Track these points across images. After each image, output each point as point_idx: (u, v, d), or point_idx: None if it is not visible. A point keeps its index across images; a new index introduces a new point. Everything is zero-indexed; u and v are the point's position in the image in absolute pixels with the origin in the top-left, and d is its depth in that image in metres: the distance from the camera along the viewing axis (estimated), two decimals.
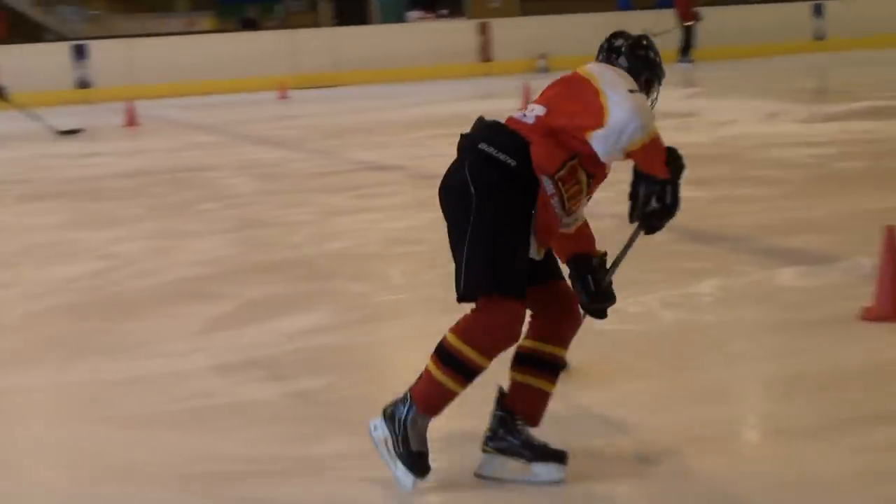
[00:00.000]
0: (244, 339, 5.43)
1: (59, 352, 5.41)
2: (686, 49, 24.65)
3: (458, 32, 26.08)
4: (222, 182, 10.91)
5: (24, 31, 25.97)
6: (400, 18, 28.49)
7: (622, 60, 3.85)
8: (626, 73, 3.71)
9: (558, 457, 3.57)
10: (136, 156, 13.43)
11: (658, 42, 3.98)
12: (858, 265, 6.20)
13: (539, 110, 3.61)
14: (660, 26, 24.44)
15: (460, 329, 3.51)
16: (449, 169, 3.64)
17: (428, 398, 3.53)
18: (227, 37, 25.99)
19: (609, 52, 3.91)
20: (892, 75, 19.91)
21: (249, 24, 25.76)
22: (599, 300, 3.93)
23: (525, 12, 29.67)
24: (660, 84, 3.91)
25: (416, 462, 3.52)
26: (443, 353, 3.52)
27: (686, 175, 3.62)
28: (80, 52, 23.24)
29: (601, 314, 3.99)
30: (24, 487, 3.85)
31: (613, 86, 3.54)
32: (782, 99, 16.16)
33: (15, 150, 14.81)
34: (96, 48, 23.53)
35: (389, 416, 3.54)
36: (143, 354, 5.27)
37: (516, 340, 3.55)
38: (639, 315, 5.52)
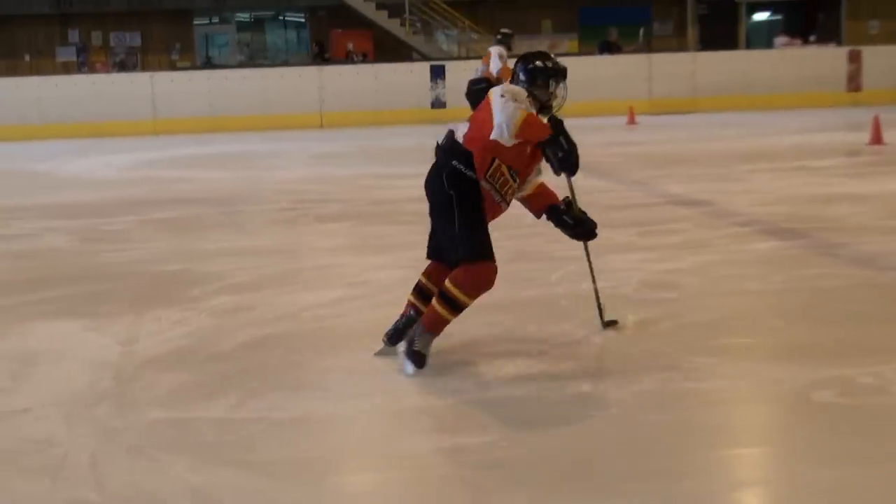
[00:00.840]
0: (420, 384, 5.16)
1: (242, 386, 5.28)
2: None
3: (826, 59, 24.86)
4: (511, 213, 10.62)
5: (393, 49, 26.71)
6: (769, 44, 27.57)
7: (520, 76, 5.52)
8: (514, 88, 5.35)
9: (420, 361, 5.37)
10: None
11: None
12: None
13: (464, 128, 5.39)
14: None
15: (458, 281, 5.29)
16: (430, 171, 5.42)
17: (433, 324, 5.39)
18: (585, 59, 25.78)
19: (516, 66, 5.58)
20: None
21: (609, 48, 25.45)
22: (580, 227, 5.77)
23: None
24: (559, 80, 5.54)
25: (419, 359, 5.36)
26: (444, 296, 5.33)
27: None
28: (437, 73, 23.61)
29: (589, 236, 5.86)
30: None
31: (496, 100, 5.17)
32: None
33: (339, 168, 15.14)
34: (453, 69, 23.90)
35: (409, 338, 5.41)
36: (311, 396, 5.07)
37: (491, 287, 5.35)
38: (869, 387, 4.88)
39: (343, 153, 17.56)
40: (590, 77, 23.73)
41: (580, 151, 5.31)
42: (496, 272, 5.32)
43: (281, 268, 8.20)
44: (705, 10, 29.50)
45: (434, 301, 5.37)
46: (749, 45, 29.61)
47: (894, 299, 6.68)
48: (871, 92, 24.12)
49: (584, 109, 22.83)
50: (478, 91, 14.72)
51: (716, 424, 4.60)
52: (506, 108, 5.10)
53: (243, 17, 29.62)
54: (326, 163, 16.17)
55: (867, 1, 29.26)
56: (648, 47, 27.56)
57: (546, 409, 4.84)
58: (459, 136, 5.36)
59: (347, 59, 27.06)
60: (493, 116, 5.14)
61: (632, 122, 21.07)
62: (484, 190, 5.31)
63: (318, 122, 23.21)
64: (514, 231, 9.43)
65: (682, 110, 23.19)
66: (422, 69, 24.11)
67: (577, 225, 5.73)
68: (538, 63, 5.52)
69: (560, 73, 5.54)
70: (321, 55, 27.48)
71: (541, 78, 5.49)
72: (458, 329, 5.76)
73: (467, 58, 26.47)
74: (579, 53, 27.51)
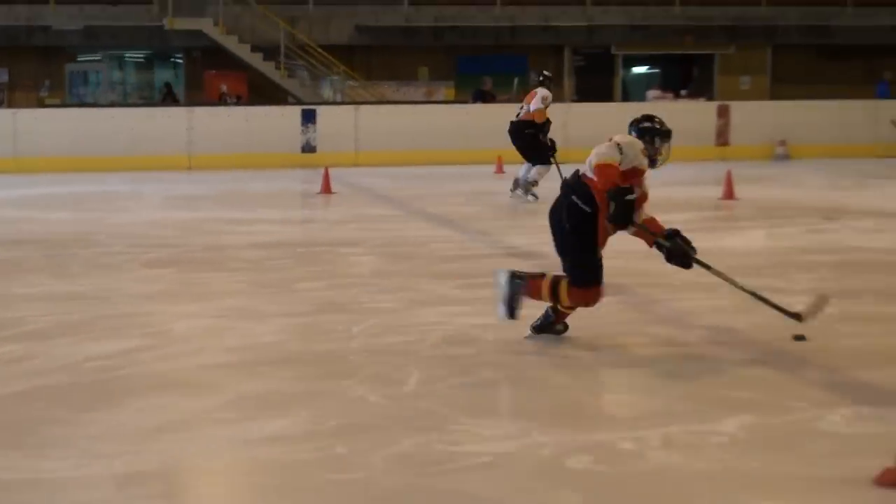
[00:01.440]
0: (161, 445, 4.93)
1: None
2: None
3: (696, 113, 25.05)
4: (347, 260, 10.50)
5: (268, 92, 26.52)
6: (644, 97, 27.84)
7: (632, 133, 6.53)
8: (631, 138, 6.44)
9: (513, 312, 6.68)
10: (294, 226, 13.16)
11: None
12: None
13: (584, 169, 6.41)
14: None
15: (570, 293, 6.48)
16: (555, 203, 6.63)
17: (533, 293, 6.58)
18: (459, 108, 25.86)
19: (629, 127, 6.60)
20: None
21: (483, 97, 25.47)
22: (676, 257, 6.54)
23: (774, 96, 28.62)
24: (664, 139, 6.52)
25: (511, 311, 6.62)
26: (555, 290, 6.51)
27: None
28: (308, 117, 23.46)
29: (683, 265, 6.66)
30: None
31: (605, 143, 6.32)
32: None
33: (191, 212, 14.89)
34: (324, 113, 23.76)
35: (511, 292, 6.58)
36: (52, 455, 4.81)
37: (593, 306, 6.65)
38: (626, 454, 4.76)
39: (202, 196, 17.29)
40: (463, 125, 23.81)
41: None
42: (602, 295, 6.57)
43: (85, 314, 7.93)
44: (582, 61, 29.74)
45: (548, 282, 6.51)
46: (627, 98, 29.87)
47: (688, 358, 6.58)
48: (739, 147, 24.39)
49: (457, 157, 22.96)
50: (523, 135, 15.00)
51: (454, 490, 4.42)
52: (599, 149, 6.25)
53: (117, 55, 29.20)
54: (180, 206, 15.88)
55: (738, 57, 29.69)
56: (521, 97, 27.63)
57: (302, 469, 4.64)
58: (584, 174, 6.37)
59: (221, 101, 26.77)
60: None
61: (500, 171, 21.01)
62: (598, 221, 6.34)
63: (187, 164, 22.87)
64: (334, 280, 9.31)
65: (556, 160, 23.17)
66: (293, 113, 23.93)
67: (670, 257, 6.56)
68: (647, 123, 6.49)
69: (665, 134, 6.51)
70: (170, 96, 27.27)
71: (648, 135, 6.44)
72: (232, 384, 5.56)
73: (342, 103, 26.39)
74: (455, 102, 27.57)
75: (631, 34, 28.99)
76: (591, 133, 24.30)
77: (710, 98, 27.84)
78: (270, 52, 26.62)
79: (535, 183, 15.69)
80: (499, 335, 7.06)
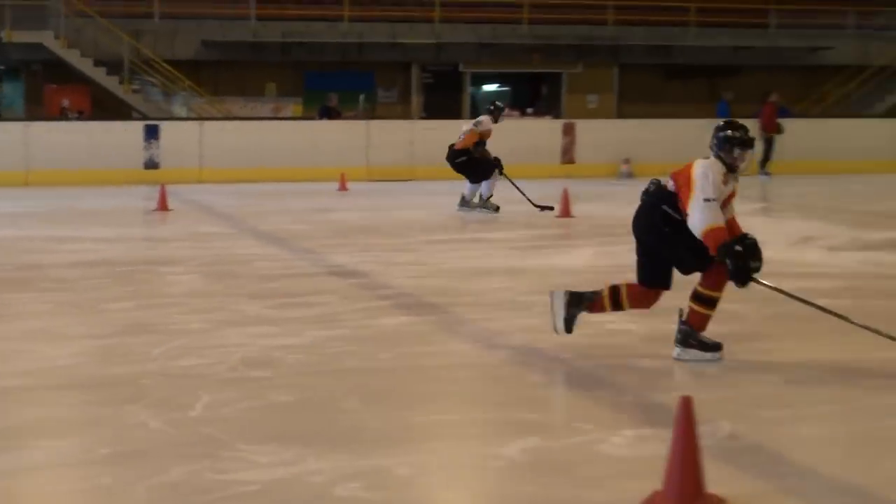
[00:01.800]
0: None
1: None
2: (765, 161, 23.61)
3: (542, 131, 25.31)
4: (165, 279, 10.28)
5: (113, 107, 26.03)
6: None
7: (713, 141, 6.71)
8: (714, 167, 6.57)
9: (715, 346, 6.73)
10: (121, 244, 12.85)
11: None
12: (716, 428, 5.30)
13: (667, 180, 6.72)
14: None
15: (707, 284, 6.63)
16: (641, 212, 6.83)
17: (701, 322, 6.71)
18: (305, 124, 25.70)
19: (711, 140, 6.75)
20: None
21: (329, 113, 25.28)
22: (736, 271, 6.45)
23: (621, 114, 28.99)
24: (744, 148, 6.66)
25: (714, 346, 6.77)
26: (700, 299, 6.67)
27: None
28: (151, 133, 23.06)
29: (741, 281, 6.50)
30: None
31: (703, 185, 6.46)
32: (835, 221, 15.04)
33: (13, 229, 14.49)
34: (168, 129, 23.38)
35: (682, 342, 6.78)
36: None
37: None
38: (398, 480, 4.66)
39: (30, 213, 16.82)
40: (309, 142, 23.63)
41: None
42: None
43: None
44: (430, 78, 29.77)
45: (694, 307, 6.70)
46: (477, 115, 29.89)
47: (485, 379, 6.53)
48: (585, 164, 24.61)
49: (302, 175, 22.76)
50: (456, 162, 15.36)
51: None
52: (705, 213, 6.42)
53: None
54: (4, 224, 15.37)
55: (585, 76, 30.01)
56: (373, 114, 27.60)
57: (63, 500, 4.45)
58: (668, 187, 6.68)
59: (62, 115, 26.19)
60: (694, 189, 6.45)
61: (343, 188, 20.90)
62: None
63: (24, 180, 22.27)
64: (146, 300, 9.09)
65: (399, 178, 23.17)
66: (136, 128, 23.48)
67: (737, 268, 6.45)
68: (728, 132, 6.66)
69: (746, 143, 6.68)
70: None
71: (728, 144, 6.63)
72: (12, 409, 5.34)
73: (187, 118, 26.03)
74: (302, 118, 27.39)
75: (479, 52, 29.12)
76: (437, 149, 24.42)
77: (557, 116, 28.09)
78: (114, 67, 26.12)
79: (489, 198, 16.22)
80: (299, 357, 6.95)
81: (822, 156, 24.80)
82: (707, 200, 6.41)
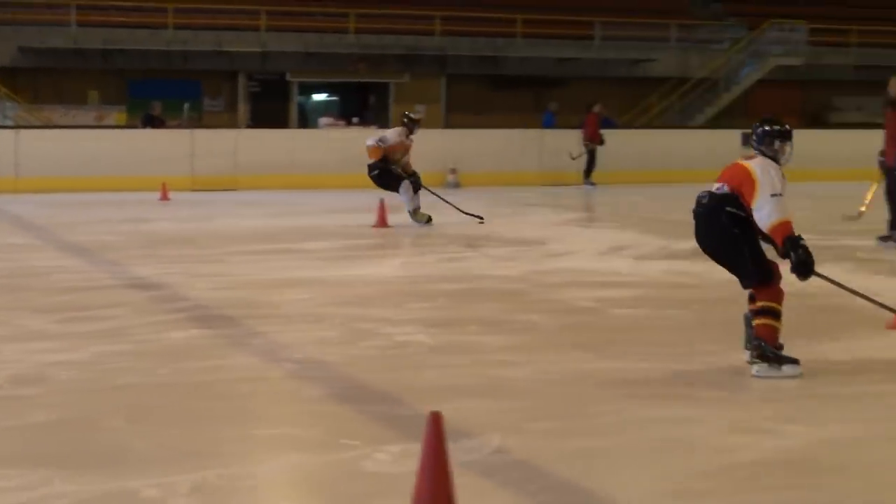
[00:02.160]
0: None
1: None
2: (589, 171, 23.90)
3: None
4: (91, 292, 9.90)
5: None
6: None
7: (754, 136, 6.91)
8: (771, 173, 6.67)
9: (793, 360, 6.73)
10: None
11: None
12: (484, 442, 5.23)
13: (718, 186, 6.83)
14: (577, 150, 23.90)
15: (770, 296, 6.68)
16: (703, 221, 6.89)
17: (771, 335, 6.69)
18: (128, 133, 25.18)
19: (751, 137, 6.95)
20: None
21: (152, 121, 24.75)
22: (799, 269, 6.60)
23: (449, 124, 29.07)
24: (784, 140, 6.87)
25: (789, 359, 6.70)
26: (766, 312, 6.67)
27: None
28: None
29: (801, 278, 6.65)
30: None
31: (768, 181, 6.61)
32: (647, 231, 15.19)
33: None
34: None
35: (760, 356, 6.67)
36: None
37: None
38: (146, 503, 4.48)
39: None
40: (131, 151, 23.08)
41: None
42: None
43: None
44: (257, 87, 29.48)
45: (762, 321, 6.71)
46: (305, 124, 29.79)
47: (258, 395, 6.38)
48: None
49: (124, 184, 22.22)
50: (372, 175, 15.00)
51: None
52: (776, 207, 6.55)
53: None
54: None
55: (413, 85, 30.03)
56: (199, 122, 27.19)
57: None
58: (723, 190, 6.76)
59: None
60: (759, 186, 6.59)
61: (165, 198, 20.47)
62: (755, 225, 6.67)
63: None
64: None
65: (223, 188, 22.80)
66: None
67: (802, 261, 6.58)
68: (767, 127, 6.90)
69: (785, 135, 6.89)
70: None
71: (769, 138, 6.85)
72: None
73: (2, 127, 25.26)
74: (126, 126, 26.83)
75: (306, 61, 28.93)
76: (261, 158, 24.09)
77: (384, 126, 27.96)
78: None
79: (417, 209, 16.05)
80: (73, 374, 6.71)
81: (645, 166, 25.11)
82: (774, 195, 6.56)
